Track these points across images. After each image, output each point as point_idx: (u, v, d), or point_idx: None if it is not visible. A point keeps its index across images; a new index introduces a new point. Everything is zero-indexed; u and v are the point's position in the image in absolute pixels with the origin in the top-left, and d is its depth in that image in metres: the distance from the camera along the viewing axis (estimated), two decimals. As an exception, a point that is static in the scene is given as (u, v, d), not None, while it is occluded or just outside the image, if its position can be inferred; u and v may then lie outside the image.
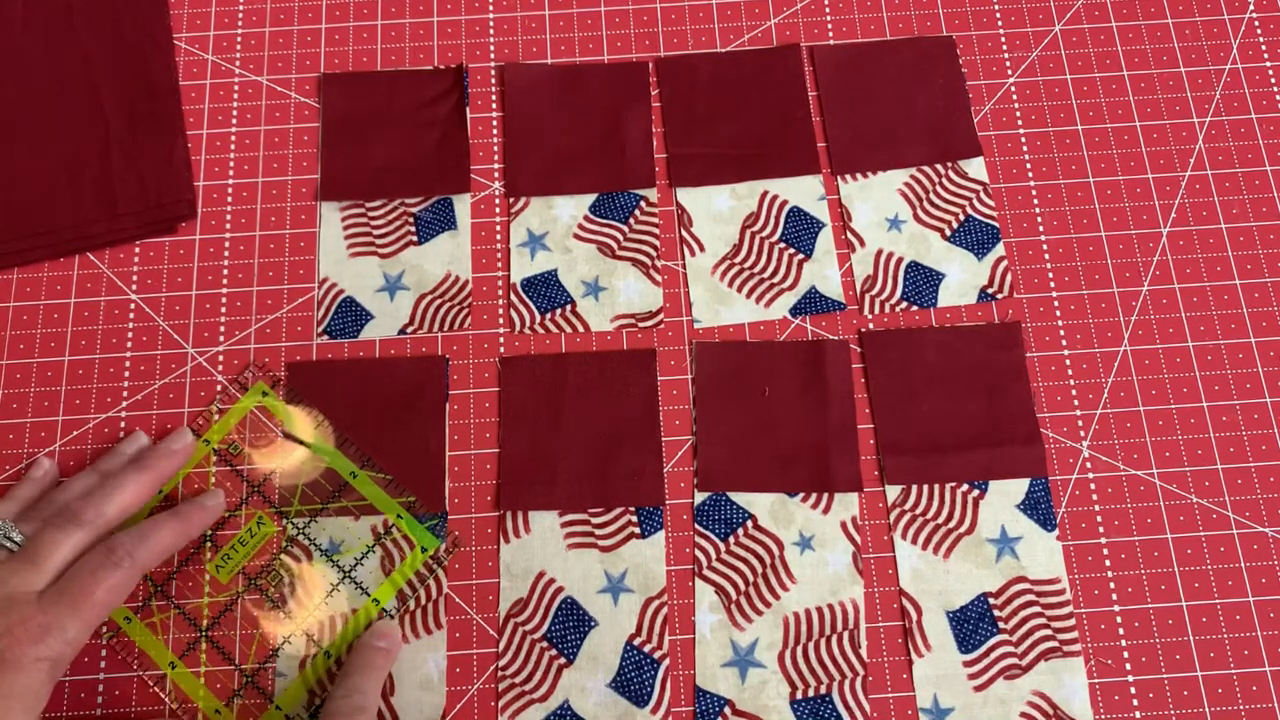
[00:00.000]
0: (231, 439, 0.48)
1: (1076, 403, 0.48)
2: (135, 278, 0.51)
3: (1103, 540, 0.46)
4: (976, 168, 0.52)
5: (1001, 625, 0.45)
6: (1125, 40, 0.55)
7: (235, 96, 0.54)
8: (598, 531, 0.46)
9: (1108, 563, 0.46)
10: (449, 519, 0.47)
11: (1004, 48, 0.55)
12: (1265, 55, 0.55)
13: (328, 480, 0.47)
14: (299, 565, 0.46)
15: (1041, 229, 0.51)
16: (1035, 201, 0.52)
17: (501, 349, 0.49)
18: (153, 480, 0.44)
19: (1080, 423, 0.48)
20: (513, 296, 0.50)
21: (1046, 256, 0.51)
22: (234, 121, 0.53)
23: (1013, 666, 0.44)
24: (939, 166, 0.52)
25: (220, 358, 0.49)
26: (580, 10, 0.56)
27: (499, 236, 0.51)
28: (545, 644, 0.45)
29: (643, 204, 0.52)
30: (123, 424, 0.48)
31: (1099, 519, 0.47)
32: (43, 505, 0.43)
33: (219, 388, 0.49)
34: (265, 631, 0.45)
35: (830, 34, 0.55)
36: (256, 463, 0.47)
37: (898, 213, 0.52)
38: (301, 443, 0.47)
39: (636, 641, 0.45)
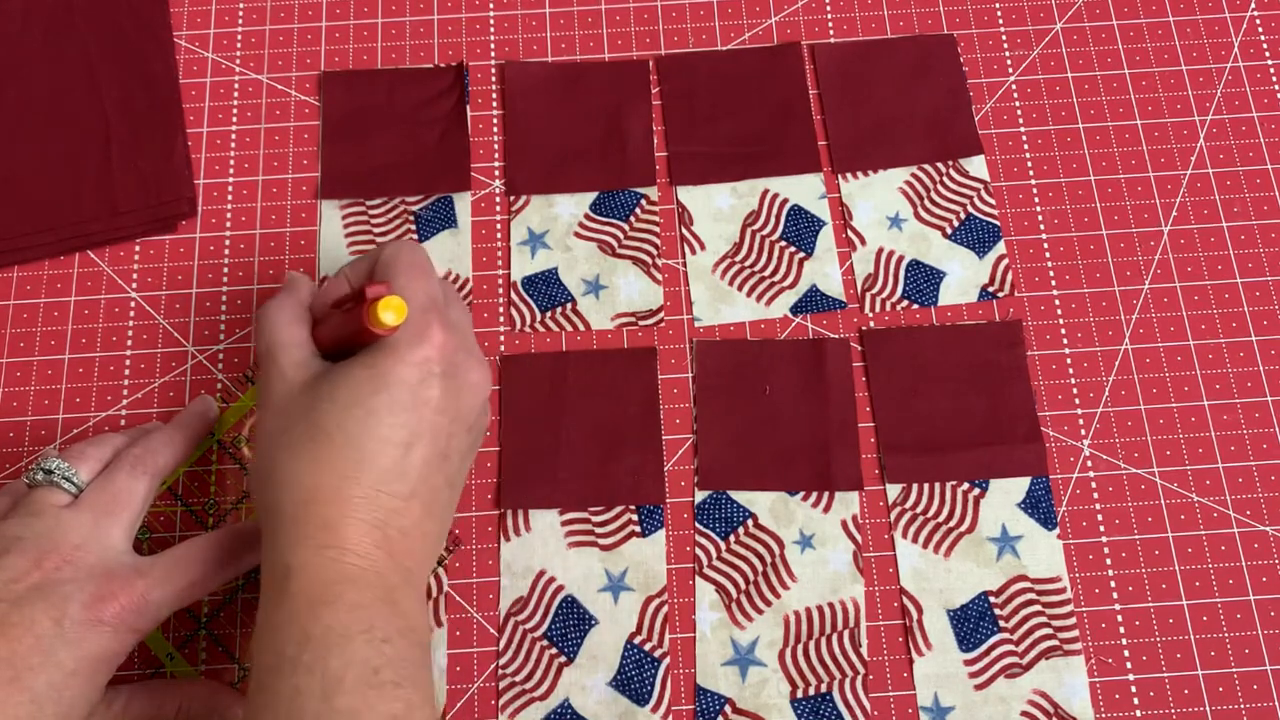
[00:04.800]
0: (235, 433, 0.48)
1: (1077, 401, 0.48)
2: (135, 276, 0.51)
3: (1103, 539, 0.46)
4: (977, 166, 0.52)
5: (1002, 624, 0.45)
6: (1126, 38, 0.55)
7: (235, 94, 0.54)
8: (598, 530, 0.46)
9: (1108, 561, 0.46)
10: (449, 517, 0.47)
11: (1005, 46, 0.55)
12: (1267, 53, 0.55)
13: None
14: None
15: (1042, 227, 0.51)
16: (1036, 200, 0.52)
17: (502, 347, 0.49)
18: (191, 440, 0.44)
19: (1081, 421, 0.48)
20: (513, 295, 0.50)
21: (1047, 255, 0.51)
22: (234, 119, 0.53)
23: (1013, 665, 0.44)
24: (940, 165, 0.52)
25: (220, 356, 0.49)
26: (581, 8, 0.56)
27: (499, 235, 0.51)
28: (546, 642, 0.45)
29: (643, 202, 0.52)
30: (123, 422, 0.48)
31: (1100, 518, 0.47)
32: (89, 452, 0.41)
33: (220, 385, 0.49)
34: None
35: (831, 32, 0.55)
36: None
37: (898, 211, 0.52)
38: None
39: (637, 640, 0.45)
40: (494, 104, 0.54)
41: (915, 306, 0.50)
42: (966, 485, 0.47)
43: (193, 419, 0.45)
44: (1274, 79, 0.54)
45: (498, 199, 0.52)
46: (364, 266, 0.41)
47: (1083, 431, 0.48)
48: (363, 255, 0.42)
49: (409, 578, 0.36)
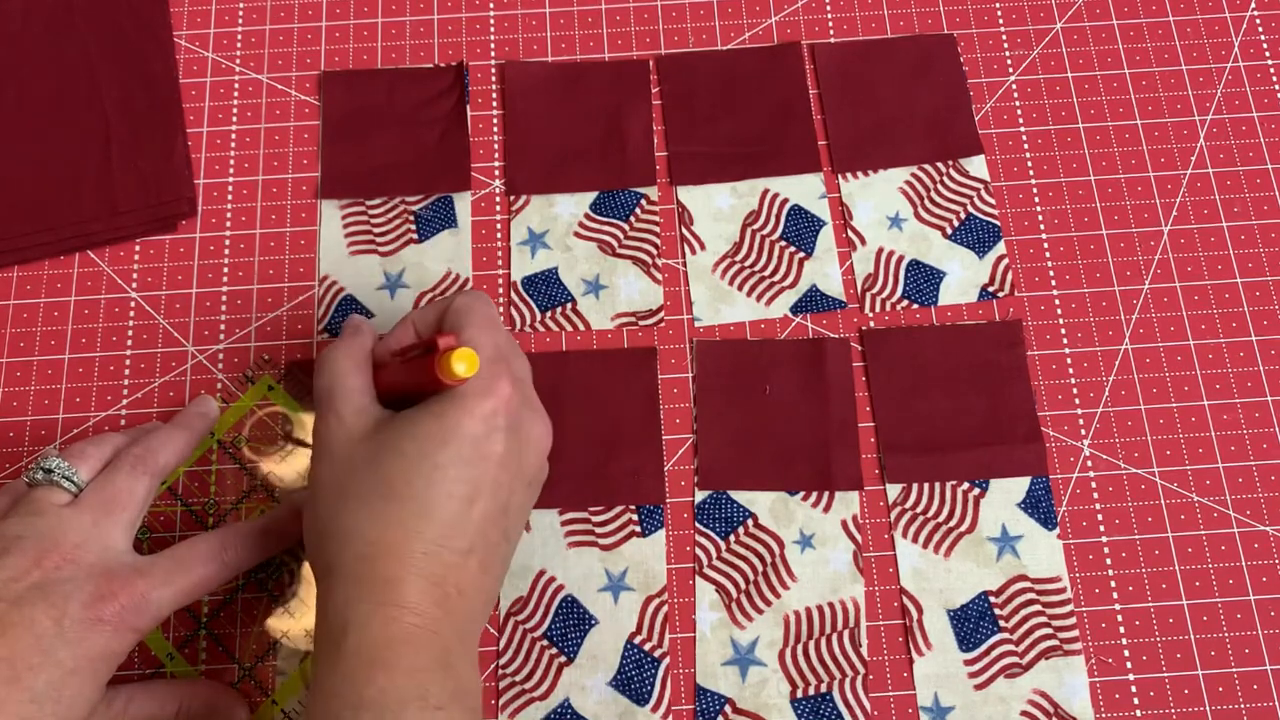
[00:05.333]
0: (235, 433, 0.48)
1: (1077, 401, 0.48)
2: (135, 275, 0.51)
3: (1103, 539, 0.46)
4: (977, 166, 0.52)
5: (1002, 624, 0.45)
6: (1126, 38, 0.55)
7: (235, 94, 0.54)
8: (598, 530, 0.46)
9: (1108, 561, 0.46)
10: (449, 517, 0.47)
11: (1005, 46, 0.55)
12: (1267, 53, 0.55)
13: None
14: (300, 561, 0.46)
15: (1043, 227, 0.51)
16: (1036, 200, 0.52)
17: (502, 347, 0.49)
18: (191, 440, 0.44)
19: (1081, 421, 0.48)
20: (513, 295, 0.50)
21: (1047, 255, 0.51)
22: (234, 119, 0.53)
23: (1013, 665, 0.44)
24: (940, 165, 0.52)
25: (220, 356, 0.49)
26: (581, 8, 0.56)
27: (499, 234, 0.51)
28: (546, 642, 0.45)
29: (643, 202, 0.52)
30: (123, 422, 0.48)
31: (1100, 517, 0.47)
32: (89, 451, 0.41)
33: (219, 385, 0.49)
34: (264, 627, 0.45)
35: (831, 32, 0.55)
36: (262, 467, 0.47)
37: (899, 211, 0.52)
38: (306, 445, 0.47)
39: (637, 640, 0.45)
40: (494, 104, 0.54)
41: (915, 306, 0.50)
42: (966, 485, 0.47)
43: (193, 419, 0.45)
44: (1274, 79, 0.54)
45: (498, 199, 0.52)
46: (431, 315, 0.40)
47: (1083, 431, 0.48)
48: (430, 304, 0.41)
49: (463, 638, 0.36)
